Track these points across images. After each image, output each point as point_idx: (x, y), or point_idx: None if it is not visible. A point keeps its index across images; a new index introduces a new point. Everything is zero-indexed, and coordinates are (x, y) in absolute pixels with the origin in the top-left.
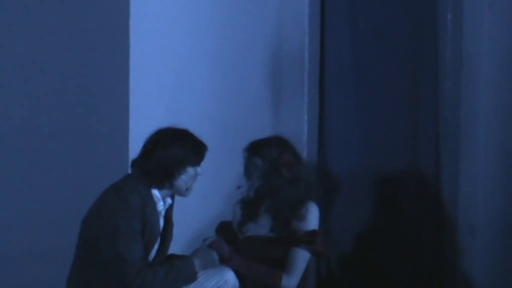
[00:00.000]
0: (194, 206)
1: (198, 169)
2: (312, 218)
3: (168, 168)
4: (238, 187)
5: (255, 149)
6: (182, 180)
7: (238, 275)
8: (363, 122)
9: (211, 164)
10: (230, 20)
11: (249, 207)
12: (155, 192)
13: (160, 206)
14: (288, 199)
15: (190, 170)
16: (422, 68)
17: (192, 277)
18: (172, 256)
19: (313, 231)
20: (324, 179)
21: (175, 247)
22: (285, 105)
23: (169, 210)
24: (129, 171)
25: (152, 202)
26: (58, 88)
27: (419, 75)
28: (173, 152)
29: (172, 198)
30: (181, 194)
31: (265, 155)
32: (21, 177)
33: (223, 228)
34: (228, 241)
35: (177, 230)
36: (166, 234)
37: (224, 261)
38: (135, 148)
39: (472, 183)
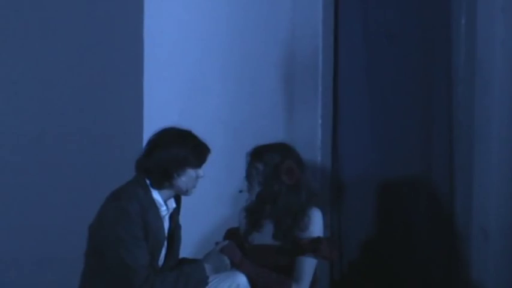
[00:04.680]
0: (207, 210)
1: (200, 171)
2: (315, 225)
3: (168, 168)
4: (240, 191)
5: (257, 154)
6: (182, 181)
7: (249, 280)
8: (376, 126)
9: (225, 168)
10: (244, 24)
11: (252, 215)
12: (157, 197)
13: (164, 211)
14: (288, 206)
15: (191, 172)
16: (435, 71)
17: (203, 282)
18: (184, 260)
19: (317, 239)
20: (338, 183)
21: (186, 250)
22: (299, 109)
23: (174, 213)
24: None
25: (154, 207)
26: (71, 92)
27: (433, 79)
28: (174, 152)
29: (177, 201)
30: (182, 194)
31: (267, 160)
32: (33, 180)
33: (231, 235)
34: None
35: (187, 234)
36: (173, 238)
37: (235, 266)
38: None
39: (485, 187)
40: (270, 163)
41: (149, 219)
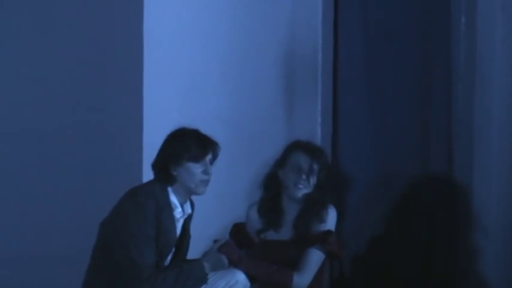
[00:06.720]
0: (207, 209)
1: (202, 167)
2: (330, 221)
3: (167, 162)
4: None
5: (317, 154)
6: (183, 176)
7: (250, 277)
8: (376, 123)
9: (225, 167)
10: (244, 23)
11: (272, 215)
12: (173, 199)
13: (178, 214)
14: (318, 201)
15: (190, 166)
16: (435, 70)
17: (203, 280)
18: (183, 259)
19: (327, 231)
20: (338, 181)
21: (191, 251)
22: (299, 108)
23: (187, 221)
24: (143, 173)
25: (169, 208)
26: (71, 90)
27: (432, 78)
28: (173, 147)
29: (193, 208)
30: (192, 192)
31: (324, 162)
32: (35, 180)
33: (237, 231)
34: (241, 243)
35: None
36: (182, 244)
37: (233, 265)
38: (148, 150)
39: (485, 184)
40: (325, 165)
41: (163, 218)
